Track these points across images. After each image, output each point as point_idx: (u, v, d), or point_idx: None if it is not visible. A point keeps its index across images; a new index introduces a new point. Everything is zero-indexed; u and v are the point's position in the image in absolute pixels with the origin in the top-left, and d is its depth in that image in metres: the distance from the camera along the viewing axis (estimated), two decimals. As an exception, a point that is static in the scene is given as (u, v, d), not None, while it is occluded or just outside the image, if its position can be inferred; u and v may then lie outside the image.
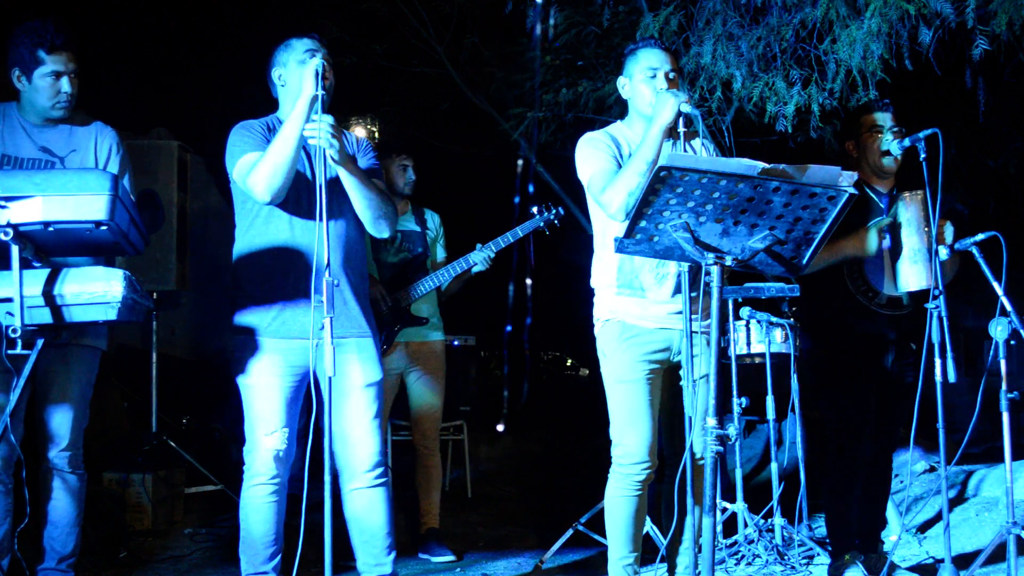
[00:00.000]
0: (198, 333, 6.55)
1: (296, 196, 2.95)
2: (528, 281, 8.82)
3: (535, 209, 4.32)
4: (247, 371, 2.97)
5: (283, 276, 2.96)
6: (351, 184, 2.95)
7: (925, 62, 4.50)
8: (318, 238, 2.67)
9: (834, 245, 3.28)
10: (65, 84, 3.00)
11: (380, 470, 3.06)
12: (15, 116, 3.06)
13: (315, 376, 2.87)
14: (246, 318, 2.99)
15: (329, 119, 2.80)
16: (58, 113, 3.04)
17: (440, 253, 4.36)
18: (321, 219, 2.61)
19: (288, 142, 2.83)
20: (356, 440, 3.00)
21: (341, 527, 2.98)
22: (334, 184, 2.97)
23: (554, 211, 4.30)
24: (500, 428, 8.53)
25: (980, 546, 3.59)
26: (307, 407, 3.01)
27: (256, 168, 2.86)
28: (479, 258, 4.19)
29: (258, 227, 3.01)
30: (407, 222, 4.26)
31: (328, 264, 2.64)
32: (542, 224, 4.29)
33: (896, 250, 3.28)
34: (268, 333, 2.96)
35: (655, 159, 2.74)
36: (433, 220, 4.39)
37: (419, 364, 4.23)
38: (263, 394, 2.95)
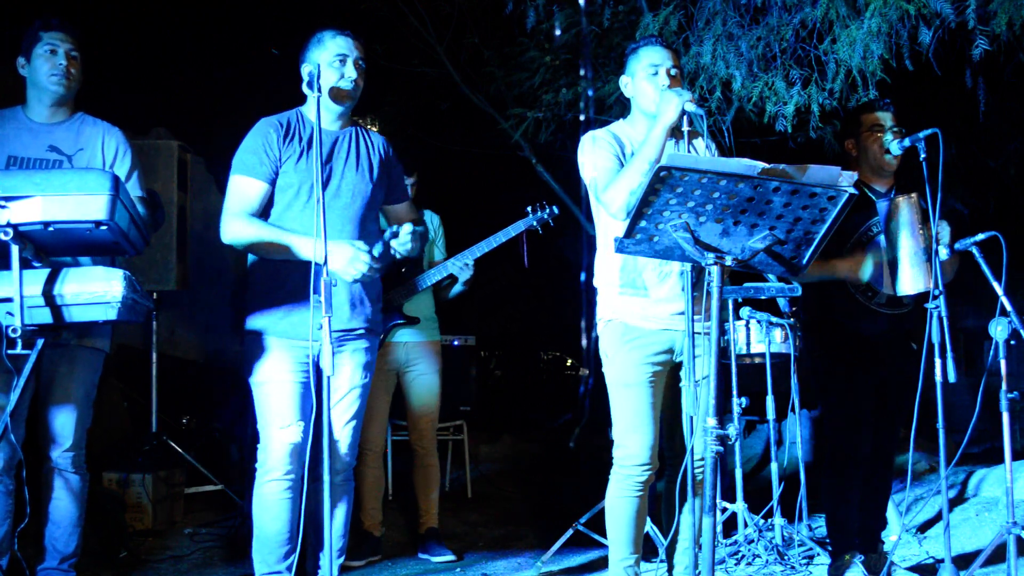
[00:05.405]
0: (198, 333, 6.54)
1: (309, 199, 2.96)
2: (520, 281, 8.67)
3: (529, 208, 4.20)
4: (258, 370, 2.98)
5: (291, 277, 2.96)
6: None
7: (925, 62, 4.49)
8: (315, 237, 2.68)
9: (829, 264, 3.30)
10: (61, 57, 3.01)
11: (346, 473, 3.11)
12: (22, 117, 3.07)
13: (318, 375, 2.87)
14: (256, 319, 3.01)
15: None
16: (55, 88, 3.02)
17: (437, 254, 4.31)
18: (319, 225, 2.64)
19: None
20: (332, 440, 3.02)
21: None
22: (355, 190, 3.03)
23: (548, 210, 4.18)
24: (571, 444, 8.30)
25: (980, 546, 3.60)
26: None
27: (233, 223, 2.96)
28: (455, 268, 4.13)
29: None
30: None
31: (326, 263, 2.65)
32: (535, 223, 4.17)
33: (893, 253, 3.27)
34: (276, 333, 2.97)
35: (658, 158, 2.73)
36: (432, 221, 4.34)
37: (414, 364, 4.21)
38: (276, 389, 2.96)
